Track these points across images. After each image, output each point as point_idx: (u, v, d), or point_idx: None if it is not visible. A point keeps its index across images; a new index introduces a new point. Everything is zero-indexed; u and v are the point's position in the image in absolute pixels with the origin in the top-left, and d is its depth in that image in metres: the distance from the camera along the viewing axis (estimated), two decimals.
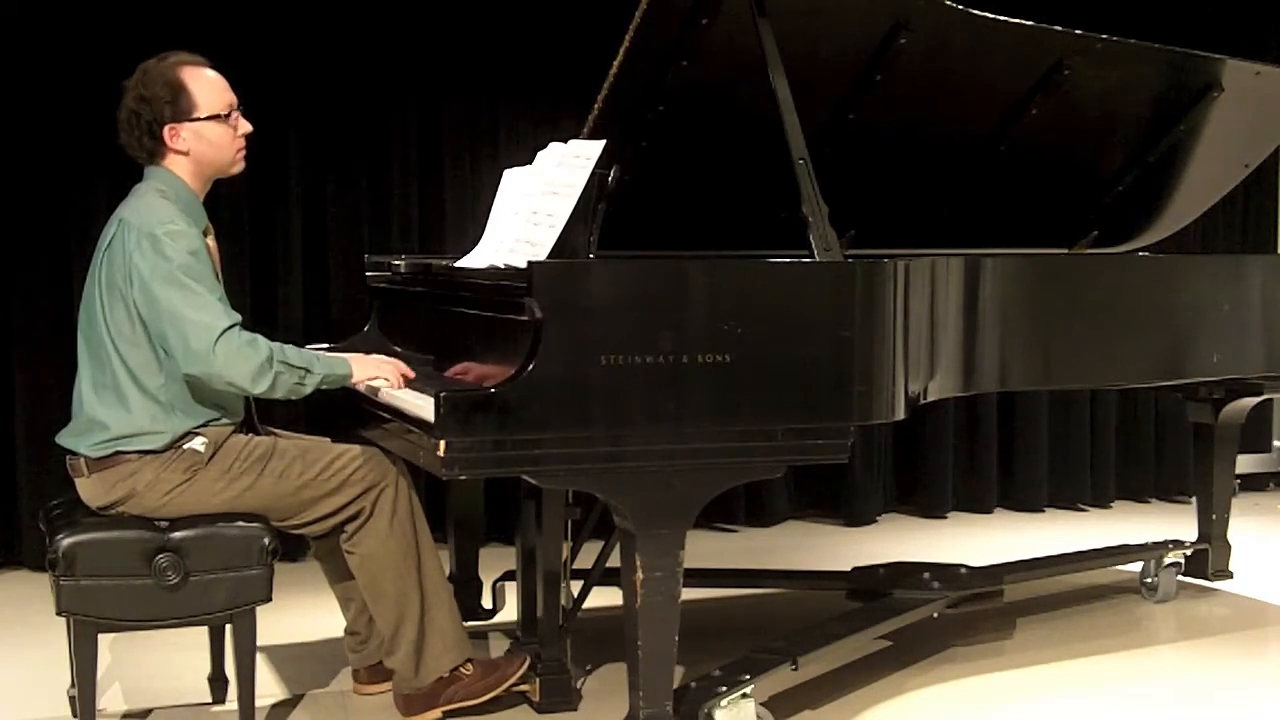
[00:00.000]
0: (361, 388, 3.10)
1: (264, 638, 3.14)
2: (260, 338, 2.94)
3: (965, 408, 5.81)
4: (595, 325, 2.71)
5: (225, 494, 3.02)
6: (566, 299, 2.71)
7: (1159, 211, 4.35)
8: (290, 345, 3.01)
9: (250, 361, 2.89)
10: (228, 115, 3.08)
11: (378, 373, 3.08)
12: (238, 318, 2.94)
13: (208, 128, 3.04)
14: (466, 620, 3.43)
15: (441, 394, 2.63)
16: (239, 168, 3.15)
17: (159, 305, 2.91)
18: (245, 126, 3.12)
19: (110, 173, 4.66)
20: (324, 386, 3.01)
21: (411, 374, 3.15)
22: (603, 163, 2.99)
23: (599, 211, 3.13)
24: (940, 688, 3.58)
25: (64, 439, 3.08)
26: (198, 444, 3.01)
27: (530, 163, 3.25)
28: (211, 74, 3.08)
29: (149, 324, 2.94)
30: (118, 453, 2.97)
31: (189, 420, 3.00)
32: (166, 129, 3.01)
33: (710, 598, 4.28)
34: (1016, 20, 3.55)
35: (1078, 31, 3.68)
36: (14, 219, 4.74)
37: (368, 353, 3.25)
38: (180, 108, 3.01)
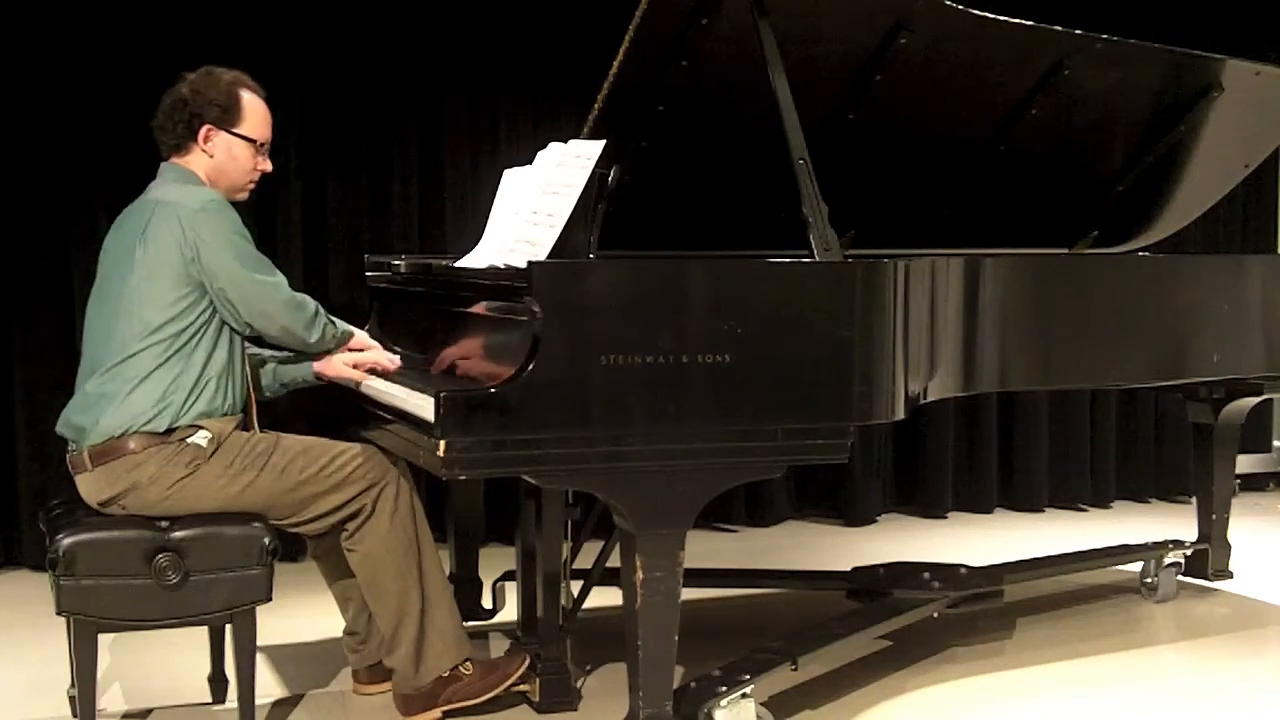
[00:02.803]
0: (341, 372, 3.25)
1: (264, 638, 3.14)
2: (303, 295, 3.16)
3: (965, 408, 5.81)
4: (595, 325, 2.71)
5: (227, 490, 3.03)
6: (566, 299, 2.71)
7: (1159, 211, 4.35)
8: None
9: (305, 314, 3.14)
10: (259, 146, 3.20)
11: (352, 370, 3.24)
12: (284, 278, 3.14)
13: (239, 145, 3.16)
14: (466, 620, 3.43)
15: (441, 394, 2.63)
16: (244, 196, 3.26)
17: (229, 269, 3.02)
18: (266, 165, 3.25)
19: (110, 173, 4.68)
20: (338, 341, 3.26)
21: (390, 365, 3.24)
22: (603, 163, 2.99)
23: (599, 211, 3.13)
24: (940, 688, 3.58)
25: (64, 425, 3.08)
26: (200, 438, 3.01)
27: (530, 163, 3.26)
28: (263, 107, 3.22)
29: (215, 288, 3.02)
30: (123, 435, 2.97)
31: (196, 405, 3.01)
32: (205, 128, 3.13)
33: (710, 598, 4.28)
34: (1016, 20, 3.55)
35: (1078, 31, 3.68)
36: (14, 221, 4.74)
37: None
38: (227, 116, 3.14)
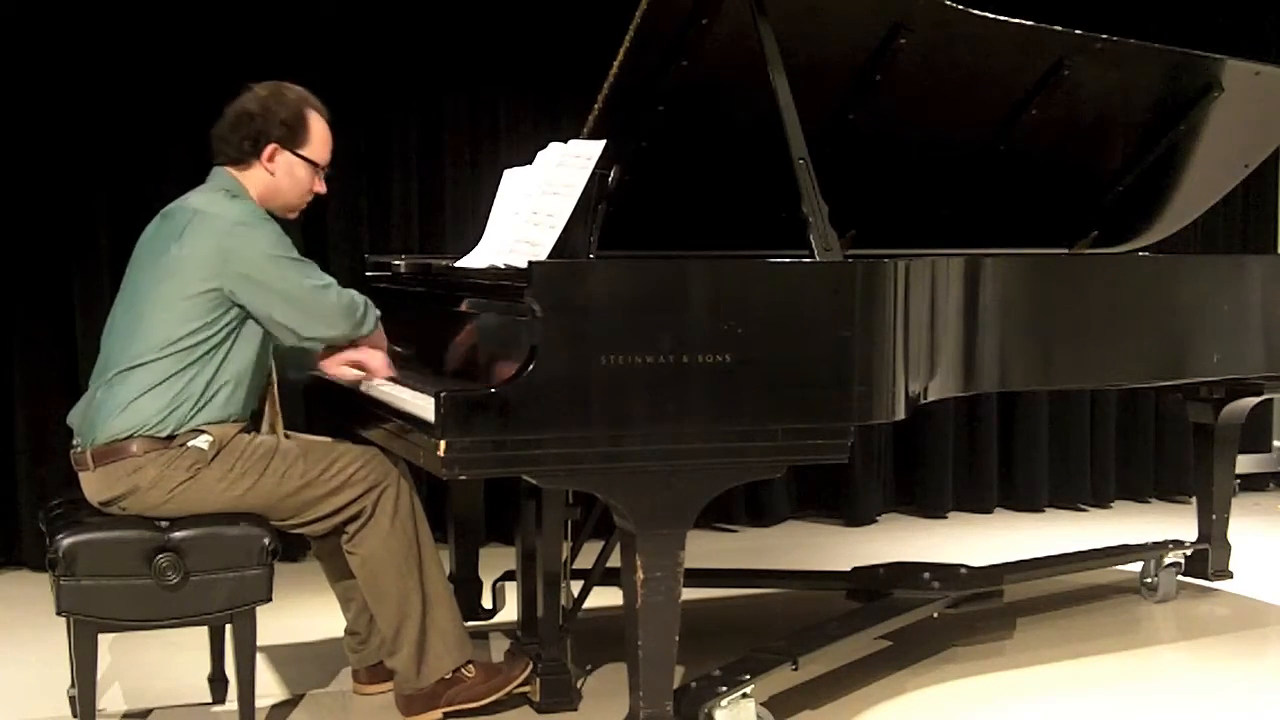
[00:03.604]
0: (346, 376, 3.24)
1: (264, 638, 3.14)
2: (352, 290, 3.14)
3: (965, 408, 5.81)
4: (595, 325, 2.71)
5: (228, 493, 3.03)
6: (567, 299, 2.71)
7: (1159, 211, 4.35)
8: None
9: (356, 311, 3.12)
10: (319, 168, 3.20)
11: (349, 372, 3.22)
12: (331, 277, 3.11)
13: (301, 166, 3.16)
14: (467, 620, 3.43)
15: (441, 394, 2.63)
16: (295, 215, 3.26)
17: (272, 284, 2.99)
18: (321, 187, 3.24)
19: (110, 175, 4.69)
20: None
21: (392, 370, 3.22)
22: (603, 163, 2.98)
23: (599, 211, 3.13)
24: (940, 688, 3.58)
25: (74, 419, 3.09)
26: (202, 442, 3.01)
27: (530, 163, 3.26)
28: (327, 130, 3.21)
29: (254, 304, 3.00)
30: (126, 439, 2.97)
31: (203, 414, 3.01)
32: (271, 147, 3.11)
33: (710, 598, 4.28)
34: (1016, 20, 3.55)
35: (1078, 31, 3.68)
36: (15, 221, 4.74)
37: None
38: (294, 137, 3.13)
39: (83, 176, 4.71)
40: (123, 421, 2.98)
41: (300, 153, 3.14)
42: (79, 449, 3.06)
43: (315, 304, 3.05)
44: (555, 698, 3.32)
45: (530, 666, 3.29)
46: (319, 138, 3.17)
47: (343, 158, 4.89)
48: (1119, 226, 4.33)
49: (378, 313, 3.21)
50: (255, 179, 3.13)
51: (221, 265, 2.97)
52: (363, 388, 3.21)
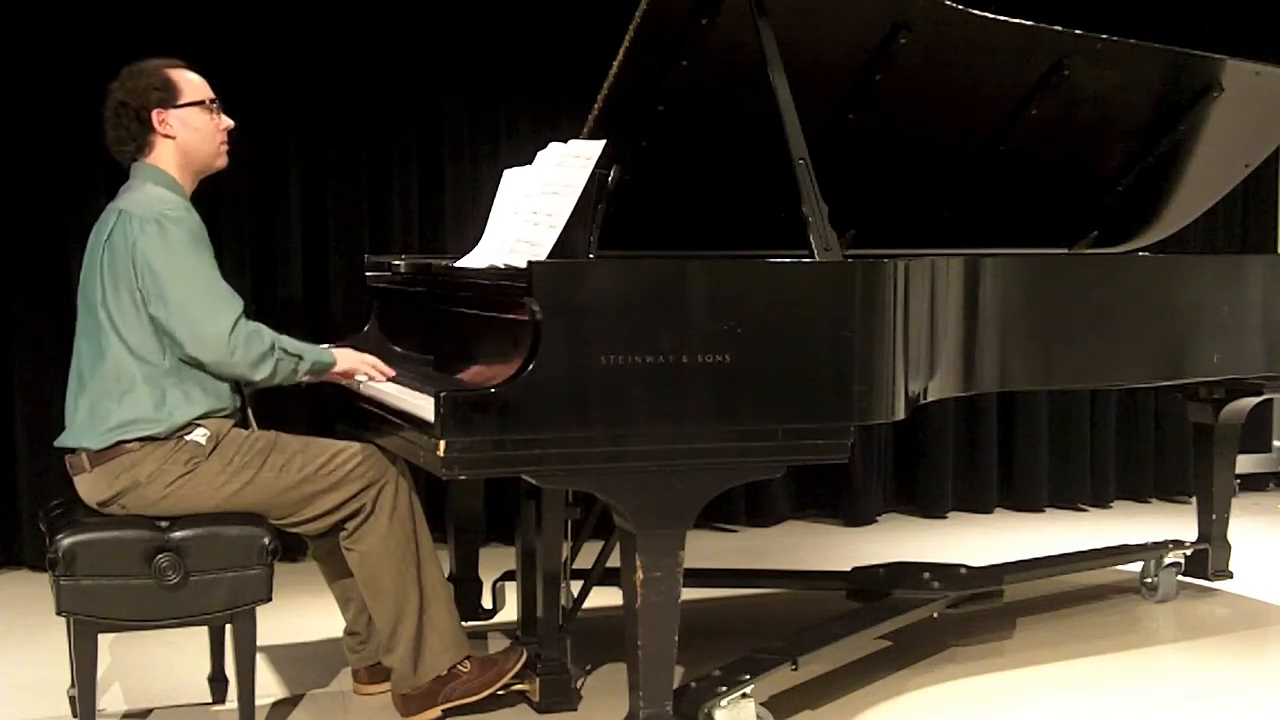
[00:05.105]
0: (339, 380, 3.21)
1: (264, 638, 3.14)
2: (262, 326, 3.04)
3: (965, 408, 5.81)
4: (595, 325, 2.71)
5: (226, 488, 3.03)
6: (566, 299, 2.71)
7: (1159, 211, 4.35)
8: (284, 335, 3.10)
9: (255, 350, 3.00)
10: (209, 104, 3.16)
11: (358, 368, 3.18)
12: (242, 303, 3.04)
13: (193, 114, 3.13)
14: (466, 620, 3.43)
15: (441, 394, 2.63)
16: (223, 161, 3.22)
17: (168, 290, 2.96)
18: (227, 122, 3.21)
19: (109, 172, 4.67)
20: (311, 372, 3.11)
21: (390, 372, 3.20)
22: (603, 163, 2.99)
23: (599, 211, 3.13)
24: (940, 688, 3.58)
25: (65, 440, 3.08)
26: (199, 435, 3.01)
27: (530, 163, 3.26)
28: (193, 73, 3.18)
29: (154, 308, 2.97)
30: (120, 442, 2.98)
31: (190, 408, 3.01)
32: (154, 114, 3.10)
33: (710, 598, 4.28)
34: (1016, 20, 3.55)
35: (1078, 31, 3.69)
36: (14, 220, 4.74)
37: (360, 350, 3.31)
38: (167, 95, 3.11)
39: (83, 175, 4.70)
40: (116, 424, 2.98)
41: (181, 103, 3.11)
42: (73, 454, 3.06)
43: (204, 322, 2.96)
44: (555, 698, 3.32)
45: (524, 657, 3.29)
46: (188, 83, 3.14)
47: (343, 157, 4.99)
48: (1119, 226, 4.33)
49: (294, 364, 3.04)
50: (164, 152, 3.12)
51: (135, 260, 2.97)
52: (361, 388, 3.21)
